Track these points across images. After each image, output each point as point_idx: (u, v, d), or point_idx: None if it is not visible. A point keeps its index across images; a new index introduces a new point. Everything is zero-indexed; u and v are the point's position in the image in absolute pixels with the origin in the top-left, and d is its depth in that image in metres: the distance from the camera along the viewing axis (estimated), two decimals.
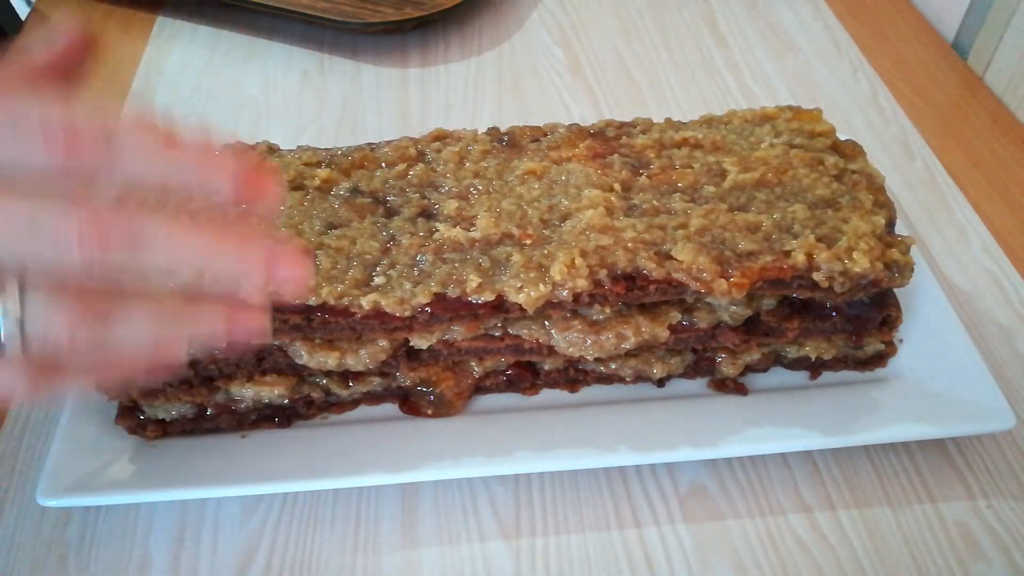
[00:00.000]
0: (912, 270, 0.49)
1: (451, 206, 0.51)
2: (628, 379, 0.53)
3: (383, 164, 0.55)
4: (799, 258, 0.47)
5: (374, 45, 0.86)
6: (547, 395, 0.54)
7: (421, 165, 0.54)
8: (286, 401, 0.51)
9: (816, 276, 0.47)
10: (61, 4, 0.92)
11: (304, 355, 0.49)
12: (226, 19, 0.88)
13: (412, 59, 0.84)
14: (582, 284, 0.46)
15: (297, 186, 0.53)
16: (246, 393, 0.50)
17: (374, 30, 0.85)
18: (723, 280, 0.46)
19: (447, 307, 0.46)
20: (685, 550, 0.48)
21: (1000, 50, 0.77)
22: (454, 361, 0.52)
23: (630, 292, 0.48)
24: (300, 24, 0.86)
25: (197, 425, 0.51)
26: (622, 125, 0.58)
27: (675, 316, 0.50)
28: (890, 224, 0.50)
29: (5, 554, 0.48)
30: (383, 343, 0.49)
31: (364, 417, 0.53)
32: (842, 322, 0.51)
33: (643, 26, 0.88)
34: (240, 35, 0.88)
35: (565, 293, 0.47)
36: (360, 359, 0.49)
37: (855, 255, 0.47)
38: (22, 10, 0.96)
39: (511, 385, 0.54)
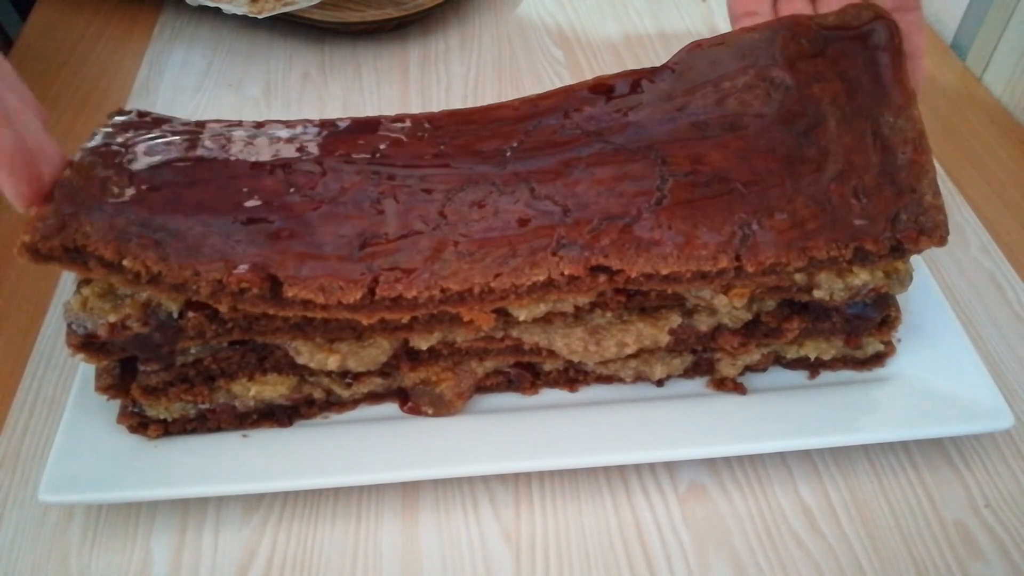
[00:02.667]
0: (911, 278, 0.49)
1: None
2: (628, 379, 0.53)
3: None
4: (799, 276, 0.48)
5: (375, 46, 0.86)
6: (547, 395, 0.54)
7: None
8: (287, 401, 0.52)
9: (816, 293, 0.48)
10: (63, 4, 0.92)
11: (305, 356, 0.49)
12: (227, 20, 0.88)
13: (412, 60, 0.85)
14: (583, 300, 0.47)
15: None
16: (247, 393, 0.50)
17: (355, 29, 0.85)
18: (723, 295, 0.48)
19: (452, 300, 0.47)
20: (684, 549, 0.48)
21: (998, 51, 0.78)
22: (454, 361, 0.52)
23: (631, 299, 0.48)
24: (301, 25, 0.86)
25: (198, 424, 0.52)
26: None
27: (675, 320, 0.50)
28: None
29: (7, 554, 0.48)
30: (384, 344, 0.49)
31: (365, 416, 0.53)
32: (841, 323, 0.51)
33: (642, 27, 0.89)
34: (241, 35, 0.88)
35: (567, 305, 0.47)
36: (361, 360, 0.49)
37: (855, 268, 0.48)
38: (23, 11, 0.96)
39: (511, 385, 0.54)
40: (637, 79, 0.54)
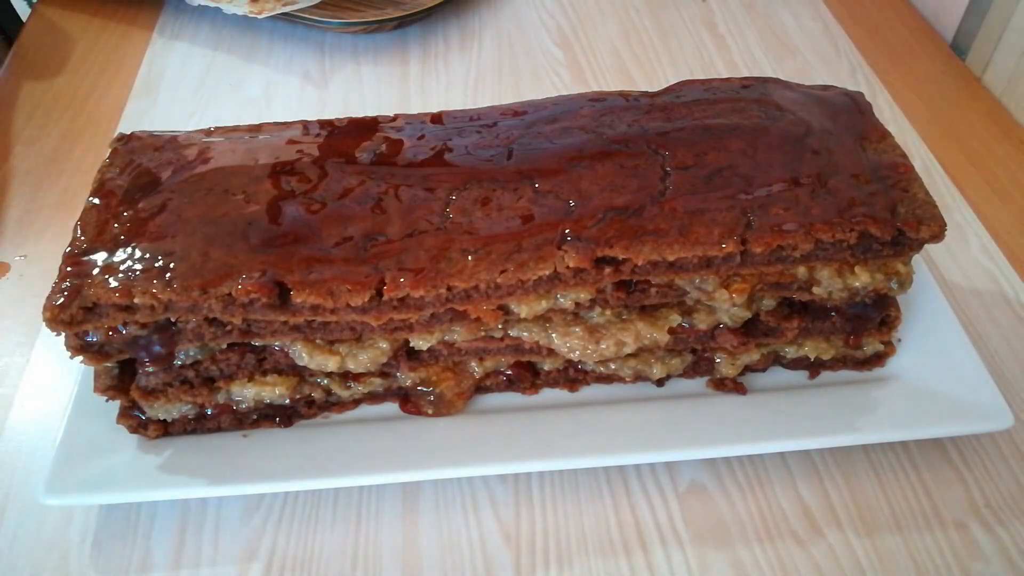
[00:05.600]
0: (911, 281, 0.49)
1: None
2: (628, 379, 0.53)
3: None
4: (800, 269, 0.48)
5: (374, 46, 0.86)
6: (547, 395, 0.54)
7: None
8: (287, 401, 0.51)
9: (816, 290, 0.48)
10: (63, 4, 0.92)
11: (305, 357, 0.49)
12: (227, 20, 0.88)
13: (412, 59, 0.85)
14: (585, 295, 0.47)
15: None
16: (247, 393, 0.50)
17: (355, 30, 0.85)
18: (724, 290, 0.48)
19: (459, 298, 0.47)
20: (684, 548, 0.48)
21: (998, 51, 0.78)
22: (454, 361, 0.52)
23: (631, 295, 0.48)
24: (301, 26, 0.86)
25: (198, 424, 0.52)
26: None
27: (675, 319, 0.50)
28: None
29: (7, 553, 0.48)
30: (383, 344, 0.49)
31: (365, 416, 0.53)
32: (841, 322, 0.51)
33: (642, 27, 0.89)
34: (241, 36, 0.88)
35: (568, 301, 0.47)
36: (360, 361, 0.49)
37: (857, 269, 0.48)
38: (23, 11, 0.96)
39: (511, 385, 0.54)
40: (633, 95, 0.56)
